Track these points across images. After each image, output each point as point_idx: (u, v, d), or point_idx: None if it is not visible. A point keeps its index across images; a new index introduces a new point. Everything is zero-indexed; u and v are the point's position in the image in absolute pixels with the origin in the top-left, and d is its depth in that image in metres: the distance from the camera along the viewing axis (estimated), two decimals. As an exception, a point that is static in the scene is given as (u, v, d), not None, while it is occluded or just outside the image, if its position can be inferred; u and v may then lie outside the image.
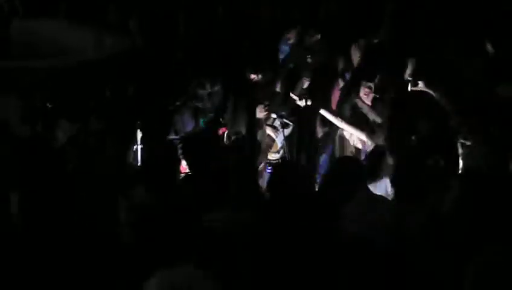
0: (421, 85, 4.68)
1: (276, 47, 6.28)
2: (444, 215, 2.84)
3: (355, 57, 5.33)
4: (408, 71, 4.88)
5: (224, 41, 6.59)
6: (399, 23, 5.63)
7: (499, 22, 4.99)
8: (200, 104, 5.08)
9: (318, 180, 4.47)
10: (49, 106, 5.91)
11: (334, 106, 5.20)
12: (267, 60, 5.71)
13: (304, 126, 5.21)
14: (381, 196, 3.48)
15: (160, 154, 3.93)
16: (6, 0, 7.79)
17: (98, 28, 7.48)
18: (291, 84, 5.49)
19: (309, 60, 5.81)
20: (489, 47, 4.73)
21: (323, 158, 4.86)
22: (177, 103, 5.22)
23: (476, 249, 2.39)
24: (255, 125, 4.95)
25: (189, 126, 5.13)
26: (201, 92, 5.07)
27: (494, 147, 3.90)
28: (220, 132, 5.08)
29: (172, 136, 5.04)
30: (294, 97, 4.98)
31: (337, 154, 4.79)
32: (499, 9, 5.11)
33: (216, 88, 5.11)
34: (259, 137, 4.93)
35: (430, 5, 5.69)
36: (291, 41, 6.25)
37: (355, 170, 3.42)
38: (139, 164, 5.05)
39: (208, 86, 5.08)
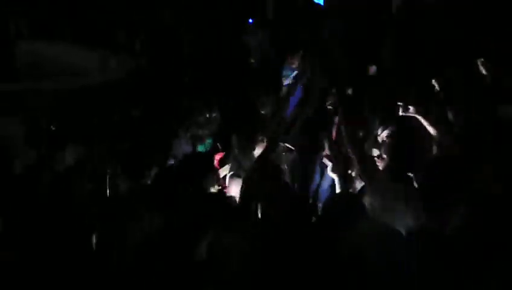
0: (411, 110, 4.68)
1: (280, 71, 6.35)
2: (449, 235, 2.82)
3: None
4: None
5: (228, 64, 6.64)
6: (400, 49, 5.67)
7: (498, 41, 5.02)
8: (199, 131, 5.12)
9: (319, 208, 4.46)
10: (54, 128, 5.93)
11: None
12: (271, 83, 5.75)
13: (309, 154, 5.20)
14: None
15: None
16: (12, 22, 7.87)
17: (103, 50, 7.55)
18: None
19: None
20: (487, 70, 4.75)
21: (325, 187, 4.85)
22: (178, 129, 5.25)
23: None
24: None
25: (187, 149, 5.15)
26: (201, 118, 5.12)
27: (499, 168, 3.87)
28: (217, 157, 5.09)
29: (171, 161, 5.06)
30: None
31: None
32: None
33: (214, 115, 5.16)
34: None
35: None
36: (294, 66, 6.31)
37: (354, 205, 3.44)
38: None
39: (206, 113, 5.14)
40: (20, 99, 6.44)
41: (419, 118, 4.57)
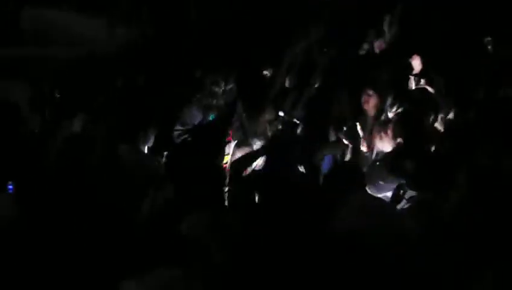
0: (422, 83, 4.67)
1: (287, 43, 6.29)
2: (447, 214, 2.79)
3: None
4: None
5: (236, 34, 6.57)
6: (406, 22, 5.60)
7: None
8: (213, 101, 5.07)
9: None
10: (58, 95, 5.90)
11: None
12: (279, 54, 5.67)
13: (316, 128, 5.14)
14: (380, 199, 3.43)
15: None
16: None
17: (109, 17, 7.48)
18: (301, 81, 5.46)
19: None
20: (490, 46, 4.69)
21: (326, 160, 4.80)
22: (191, 98, 5.20)
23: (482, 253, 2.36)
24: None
25: (197, 118, 5.09)
26: (216, 89, 5.06)
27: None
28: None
29: (178, 127, 5.01)
30: None
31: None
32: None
33: (230, 86, 5.10)
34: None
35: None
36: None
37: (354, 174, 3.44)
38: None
39: (222, 84, 5.07)
40: (25, 65, 6.40)
41: (430, 89, 4.54)
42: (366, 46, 5.92)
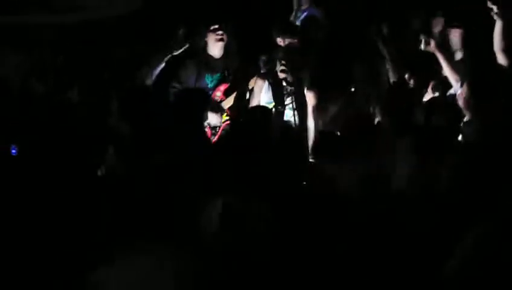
0: (432, 46, 4.65)
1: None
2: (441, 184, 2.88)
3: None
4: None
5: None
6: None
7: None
8: (207, 60, 5.09)
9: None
10: (60, 62, 5.92)
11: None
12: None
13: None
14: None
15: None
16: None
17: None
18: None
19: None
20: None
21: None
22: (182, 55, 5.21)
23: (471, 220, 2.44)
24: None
25: (192, 79, 5.13)
26: (198, 41, 5.09)
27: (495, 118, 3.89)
28: (222, 88, 5.10)
29: (174, 84, 5.06)
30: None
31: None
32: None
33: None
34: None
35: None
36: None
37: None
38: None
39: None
40: (25, 32, 6.39)
41: (439, 54, 4.55)
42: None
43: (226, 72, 5.12)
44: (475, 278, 2.17)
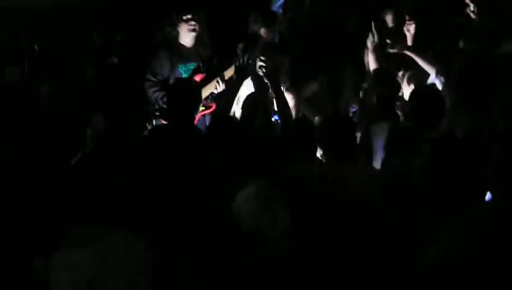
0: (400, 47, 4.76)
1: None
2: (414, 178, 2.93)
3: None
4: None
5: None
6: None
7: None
8: (179, 49, 5.07)
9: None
10: (36, 47, 5.86)
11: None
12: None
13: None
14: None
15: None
16: None
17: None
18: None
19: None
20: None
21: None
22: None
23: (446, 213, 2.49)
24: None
25: (166, 70, 5.10)
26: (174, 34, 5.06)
27: (471, 110, 3.96)
28: (197, 78, 5.09)
29: (149, 77, 5.04)
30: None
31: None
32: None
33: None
34: None
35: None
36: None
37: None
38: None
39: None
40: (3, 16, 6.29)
41: (410, 53, 4.65)
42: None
43: (199, 62, 5.10)
44: (458, 266, 2.22)
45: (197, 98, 4.20)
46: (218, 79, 4.88)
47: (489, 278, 2.17)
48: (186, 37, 5.03)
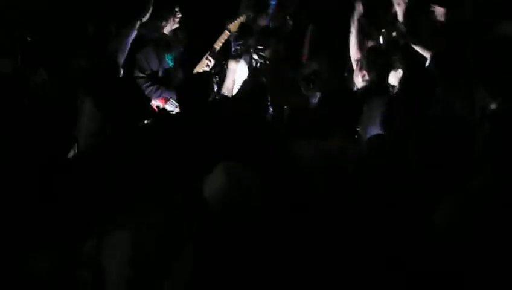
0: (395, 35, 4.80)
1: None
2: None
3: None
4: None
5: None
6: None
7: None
8: (161, 40, 5.10)
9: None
10: (29, 39, 5.85)
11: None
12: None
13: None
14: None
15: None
16: None
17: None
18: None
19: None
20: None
21: None
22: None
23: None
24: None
25: (154, 63, 5.14)
26: (160, 23, 5.09)
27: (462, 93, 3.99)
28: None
29: (137, 74, 5.07)
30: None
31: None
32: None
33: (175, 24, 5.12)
34: None
35: None
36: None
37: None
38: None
39: (164, 22, 5.10)
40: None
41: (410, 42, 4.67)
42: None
43: (182, 49, 5.15)
44: (455, 243, 2.27)
45: (208, 91, 4.21)
46: (208, 56, 4.93)
47: (485, 255, 2.20)
48: (171, 27, 5.08)
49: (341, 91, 3.95)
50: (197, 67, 4.96)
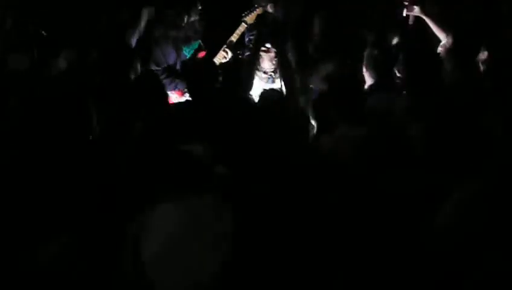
0: (416, 10, 4.73)
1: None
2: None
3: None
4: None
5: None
6: None
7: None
8: (180, 34, 5.10)
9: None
10: (44, 33, 5.87)
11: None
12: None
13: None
14: None
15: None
16: None
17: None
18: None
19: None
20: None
21: None
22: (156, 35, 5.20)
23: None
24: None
25: (172, 57, 5.15)
26: (179, 20, 5.08)
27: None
28: (200, 56, 5.14)
29: (153, 68, 5.09)
30: None
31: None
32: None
33: (194, 17, 5.13)
34: None
35: None
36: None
37: None
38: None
39: (185, 16, 5.10)
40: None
41: (425, 17, 4.63)
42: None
43: (201, 41, 5.16)
44: (464, 234, 2.27)
45: (214, 77, 4.22)
46: (225, 47, 4.94)
47: (493, 245, 2.20)
48: (190, 19, 5.10)
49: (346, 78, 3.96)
50: (214, 60, 4.96)
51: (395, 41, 4.88)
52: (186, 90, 4.99)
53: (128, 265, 2.27)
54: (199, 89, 4.03)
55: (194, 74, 4.12)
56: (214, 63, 4.55)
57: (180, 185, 2.46)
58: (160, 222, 2.30)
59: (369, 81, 4.23)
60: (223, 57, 5.01)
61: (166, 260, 2.23)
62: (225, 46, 5.06)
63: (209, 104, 3.84)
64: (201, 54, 5.10)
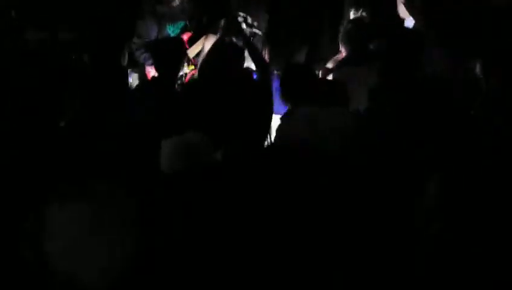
0: None
1: None
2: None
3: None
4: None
5: None
6: None
7: None
8: (166, 9, 5.06)
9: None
10: (14, 12, 5.76)
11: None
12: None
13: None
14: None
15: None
16: None
17: None
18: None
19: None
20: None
21: None
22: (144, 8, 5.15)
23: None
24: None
25: (154, 32, 5.12)
26: None
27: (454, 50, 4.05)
28: (185, 37, 5.10)
29: (135, 40, 5.06)
30: None
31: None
32: None
33: None
34: None
35: None
36: None
37: None
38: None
39: None
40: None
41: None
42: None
43: (187, 21, 5.11)
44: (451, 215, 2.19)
45: (180, 55, 4.22)
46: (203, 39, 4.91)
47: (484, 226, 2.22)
48: None
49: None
50: (191, 49, 4.94)
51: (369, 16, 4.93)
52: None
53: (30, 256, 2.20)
54: (164, 67, 4.04)
55: (160, 52, 4.12)
56: (183, 45, 4.51)
57: (83, 176, 2.42)
58: (63, 213, 2.21)
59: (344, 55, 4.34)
60: (198, 49, 5.00)
61: (70, 249, 2.14)
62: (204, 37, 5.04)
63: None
64: (187, 35, 5.06)
